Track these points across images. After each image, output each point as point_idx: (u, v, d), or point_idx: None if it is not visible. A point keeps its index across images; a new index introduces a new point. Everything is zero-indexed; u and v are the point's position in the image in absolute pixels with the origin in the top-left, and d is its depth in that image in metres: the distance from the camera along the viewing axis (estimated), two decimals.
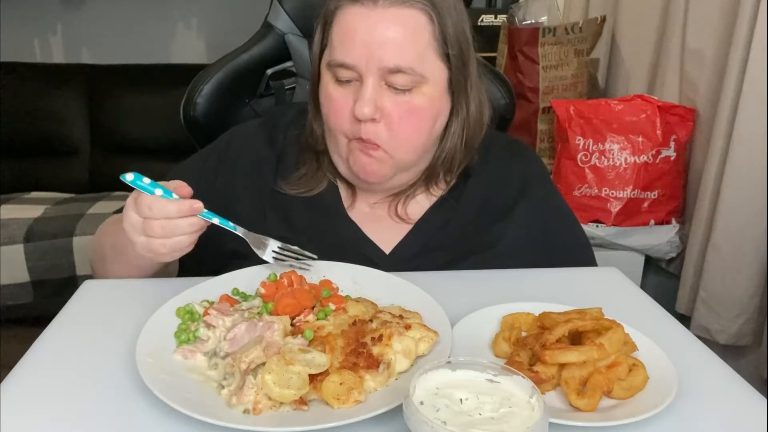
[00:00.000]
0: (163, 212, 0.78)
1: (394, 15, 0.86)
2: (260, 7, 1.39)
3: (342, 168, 0.98)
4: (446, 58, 0.91)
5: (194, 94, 1.25)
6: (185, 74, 1.57)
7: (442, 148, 0.98)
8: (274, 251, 0.86)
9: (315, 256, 0.87)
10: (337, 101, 0.91)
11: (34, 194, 2.83)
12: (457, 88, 0.94)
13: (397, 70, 0.87)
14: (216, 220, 0.82)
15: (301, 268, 0.85)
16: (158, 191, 0.79)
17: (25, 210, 2.57)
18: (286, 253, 0.86)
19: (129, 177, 0.79)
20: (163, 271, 0.96)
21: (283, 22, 1.29)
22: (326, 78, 0.92)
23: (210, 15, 3.16)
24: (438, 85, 0.91)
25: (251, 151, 1.04)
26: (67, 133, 3.00)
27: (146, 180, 0.80)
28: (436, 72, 0.90)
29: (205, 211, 0.81)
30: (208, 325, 0.73)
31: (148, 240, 0.79)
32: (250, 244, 0.85)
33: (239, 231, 0.85)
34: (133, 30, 3.14)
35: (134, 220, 0.80)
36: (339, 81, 0.90)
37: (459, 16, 0.92)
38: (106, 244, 1.00)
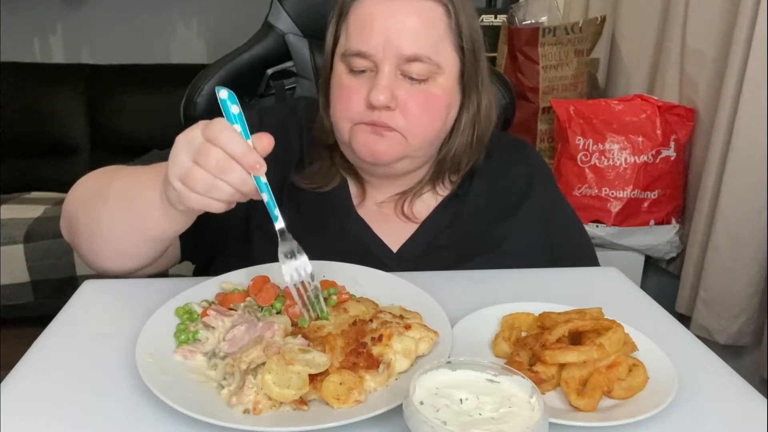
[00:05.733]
0: (229, 144, 0.65)
1: (411, 5, 0.87)
2: (260, 7, 1.39)
3: (348, 154, 0.98)
4: (461, 51, 0.92)
5: (194, 94, 1.25)
6: (185, 74, 1.58)
7: (450, 145, 0.98)
8: (296, 271, 0.73)
9: (324, 310, 0.74)
10: (349, 89, 0.90)
11: (34, 194, 2.84)
12: (468, 82, 0.95)
13: (415, 59, 0.87)
14: (265, 196, 0.70)
15: (303, 306, 0.73)
16: (237, 127, 0.68)
17: (25, 210, 2.57)
18: (304, 287, 0.73)
19: (223, 94, 0.68)
20: (160, 251, 0.87)
21: (283, 22, 1.29)
22: (339, 69, 0.92)
23: (210, 15, 3.16)
24: (452, 77, 0.92)
25: (280, 137, 1.02)
26: (67, 133, 3.00)
27: (236, 109, 0.68)
28: (451, 63, 0.91)
29: (265, 180, 0.69)
30: (207, 326, 0.73)
31: (192, 167, 0.67)
32: (280, 244, 0.74)
33: (278, 224, 0.73)
34: (133, 30, 3.14)
35: (193, 138, 0.68)
36: (353, 71, 0.90)
37: (472, 13, 0.93)
38: (111, 188, 0.85)
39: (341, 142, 0.96)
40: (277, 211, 0.73)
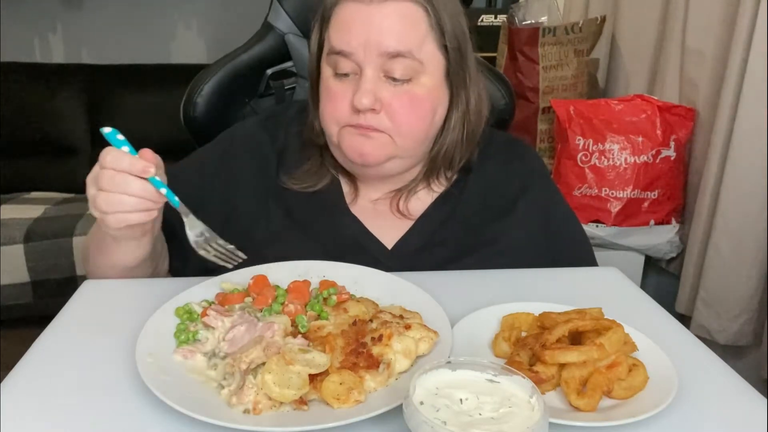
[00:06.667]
0: (115, 163, 0.76)
1: (389, 7, 0.88)
2: (260, 7, 1.39)
3: (338, 156, 0.99)
4: (444, 49, 0.93)
5: (194, 94, 1.25)
6: (185, 74, 1.58)
7: (442, 142, 0.99)
8: (199, 240, 0.82)
9: (244, 257, 0.83)
10: (335, 93, 0.92)
11: (34, 194, 2.84)
12: (455, 80, 0.95)
13: (397, 54, 0.88)
14: (163, 191, 0.78)
15: (224, 264, 0.82)
16: (125, 148, 0.77)
17: (25, 210, 2.57)
18: (214, 246, 0.82)
19: (106, 130, 0.78)
20: (147, 271, 0.95)
21: (283, 22, 1.29)
22: (326, 73, 0.94)
23: (210, 15, 3.16)
24: (436, 75, 0.93)
25: (253, 148, 1.05)
26: (67, 133, 3.00)
27: (120, 137, 0.78)
28: (434, 61, 0.92)
29: (158, 179, 0.78)
30: (207, 326, 0.73)
31: (96, 193, 0.77)
32: (185, 223, 0.82)
33: (181, 209, 0.81)
34: (133, 30, 3.14)
35: (94, 172, 0.79)
36: (338, 75, 0.92)
37: (455, 11, 0.94)
38: (92, 241, 0.98)
39: (331, 144, 0.98)
40: (176, 198, 0.80)
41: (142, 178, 0.77)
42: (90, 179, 0.80)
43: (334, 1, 0.92)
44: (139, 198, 0.77)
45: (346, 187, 1.03)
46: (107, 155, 0.77)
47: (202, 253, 0.82)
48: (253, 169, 1.03)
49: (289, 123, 1.07)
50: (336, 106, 0.92)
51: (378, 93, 0.89)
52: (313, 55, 0.98)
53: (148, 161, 0.78)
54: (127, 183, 0.76)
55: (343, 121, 0.92)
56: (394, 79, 0.90)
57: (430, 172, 1.02)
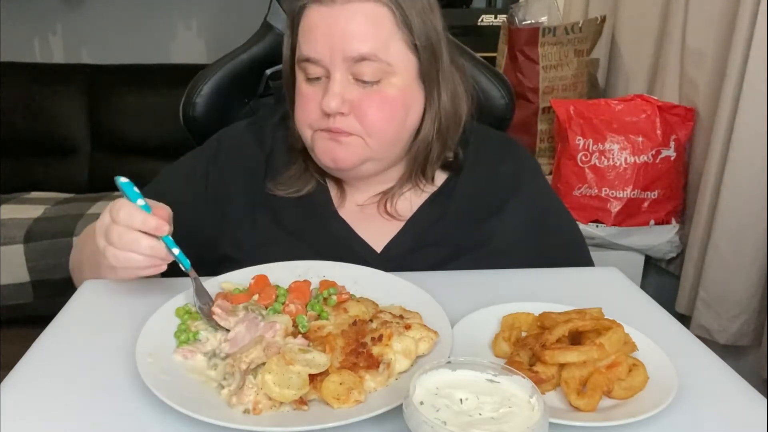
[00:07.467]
0: (128, 220, 0.75)
1: (353, 9, 0.88)
2: (260, 7, 1.39)
3: (315, 159, 0.99)
4: (414, 48, 0.92)
5: (194, 94, 1.25)
6: (185, 74, 1.57)
7: (418, 141, 0.98)
8: (205, 308, 0.77)
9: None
10: (306, 97, 0.92)
11: (34, 194, 2.84)
12: (428, 79, 0.95)
13: (362, 58, 0.88)
14: (176, 251, 0.77)
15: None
16: (140, 201, 0.77)
17: (25, 210, 2.57)
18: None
19: (123, 179, 0.79)
20: None
21: (282, 22, 1.29)
22: (299, 78, 0.94)
23: (210, 15, 3.16)
24: (407, 75, 0.92)
25: (240, 154, 1.05)
26: (67, 133, 3.00)
27: (136, 189, 0.78)
28: (404, 61, 0.91)
29: (170, 238, 0.77)
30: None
31: (105, 246, 0.77)
32: (193, 288, 0.79)
33: (191, 274, 0.79)
34: (133, 30, 3.14)
35: (105, 222, 0.78)
36: (310, 79, 0.92)
37: (425, 8, 0.92)
38: (85, 252, 0.98)
39: (308, 148, 0.98)
40: (189, 262, 0.79)
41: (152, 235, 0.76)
42: (100, 229, 0.78)
43: (301, 6, 0.91)
44: (147, 257, 0.76)
45: (333, 191, 1.03)
46: (120, 210, 0.76)
47: (206, 319, 0.76)
48: (241, 174, 1.03)
49: (275, 128, 1.07)
50: (307, 110, 0.92)
51: (347, 95, 0.89)
52: (287, 60, 0.98)
53: (161, 218, 0.76)
54: (137, 241, 0.75)
55: (315, 125, 0.92)
56: (364, 82, 0.89)
57: (411, 173, 1.01)
